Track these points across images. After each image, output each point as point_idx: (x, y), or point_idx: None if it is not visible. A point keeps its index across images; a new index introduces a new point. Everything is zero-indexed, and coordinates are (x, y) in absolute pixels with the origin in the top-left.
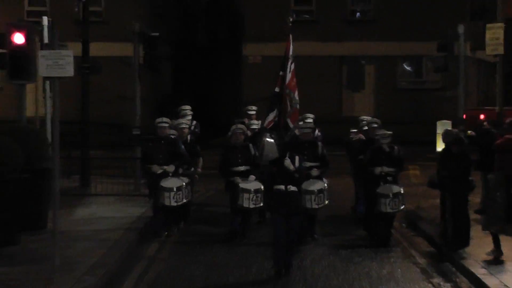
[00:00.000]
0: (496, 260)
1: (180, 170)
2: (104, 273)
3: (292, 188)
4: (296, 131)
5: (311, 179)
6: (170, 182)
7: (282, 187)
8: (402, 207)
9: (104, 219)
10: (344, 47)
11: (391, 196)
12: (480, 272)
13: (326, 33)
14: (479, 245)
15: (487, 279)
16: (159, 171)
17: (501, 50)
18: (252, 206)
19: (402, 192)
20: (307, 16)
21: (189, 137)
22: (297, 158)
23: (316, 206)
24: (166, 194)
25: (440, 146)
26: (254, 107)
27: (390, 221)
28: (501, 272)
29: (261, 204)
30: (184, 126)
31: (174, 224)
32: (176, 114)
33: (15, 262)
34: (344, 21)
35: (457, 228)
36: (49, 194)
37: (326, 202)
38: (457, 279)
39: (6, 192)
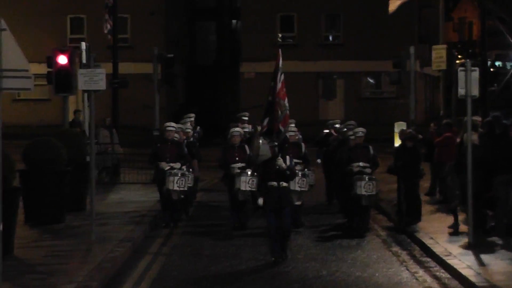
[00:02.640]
0: (456, 232)
1: (184, 168)
2: (130, 245)
3: (284, 184)
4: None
5: None
6: (175, 171)
7: (275, 183)
8: (375, 192)
9: (131, 203)
10: (319, 65)
11: (366, 179)
12: (428, 242)
13: (305, 54)
14: (428, 221)
15: (434, 247)
16: (167, 168)
17: (444, 66)
18: (248, 188)
19: (375, 179)
20: (290, 40)
21: (191, 139)
22: (288, 157)
23: (299, 189)
24: (171, 178)
25: (397, 142)
26: (246, 114)
27: (366, 211)
28: (446, 242)
29: (255, 189)
30: (178, 130)
31: (179, 216)
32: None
33: (61, 237)
34: (319, 44)
35: (410, 207)
36: (87, 182)
37: (307, 188)
38: (411, 248)
39: (54, 181)
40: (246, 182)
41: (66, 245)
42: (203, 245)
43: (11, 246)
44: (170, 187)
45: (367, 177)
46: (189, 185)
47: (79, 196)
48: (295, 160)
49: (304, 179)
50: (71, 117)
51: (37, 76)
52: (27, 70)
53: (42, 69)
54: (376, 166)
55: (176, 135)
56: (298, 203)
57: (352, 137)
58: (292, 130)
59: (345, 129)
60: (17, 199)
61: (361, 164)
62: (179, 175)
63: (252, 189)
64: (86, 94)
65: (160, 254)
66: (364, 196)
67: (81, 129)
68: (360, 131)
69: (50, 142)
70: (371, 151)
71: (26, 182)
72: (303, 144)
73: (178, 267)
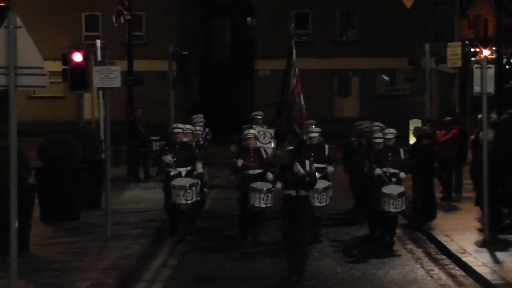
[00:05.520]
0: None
1: (194, 173)
2: (146, 242)
3: (303, 193)
4: (304, 136)
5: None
6: (182, 181)
7: (293, 192)
8: (404, 207)
9: (146, 200)
10: (334, 62)
11: (395, 196)
12: (444, 239)
13: (320, 51)
14: (443, 218)
15: (450, 245)
16: (173, 173)
17: (459, 63)
18: (263, 205)
19: (404, 193)
20: (305, 37)
21: (201, 141)
22: (307, 162)
23: (319, 204)
24: (177, 192)
25: (412, 140)
26: (260, 113)
27: (393, 223)
28: (461, 239)
29: (271, 204)
30: (188, 131)
31: (187, 226)
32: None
33: (76, 234)
34: (334, 41)
35: (425, 205)
36: (102, 179)
37: (329, 201)
38: (426, 245)
39: (70, 179)
40: (261, 199)
41: (81, 242)
42: (216, 245)
43: (26, 243)
44: (178, 201)
45: (396, 194)
46: (198, 198)
47: (94, 193)
48: (318, 165)
49: (324, 193)
50: (87, 114)
51: (52, 73)
52: (42, 68)
53: (57, 66)
54: (408, 170)
55: (184, 137)
56: (317, 214)
57: (380, 139)
58: (314, 131)
59: (366, 129)
60: (33, 196)
61: (391, 170)
62: (187, 186)
63: (268, 206)
64: (101, 92)
65: (176, 251)
66: (393, 213)
67: (142, 126)
68: (391, 132)
69: (66, 140)
70: (402, 155)
71: (42, 179)
72: (326, 146)
73: (193, 264)
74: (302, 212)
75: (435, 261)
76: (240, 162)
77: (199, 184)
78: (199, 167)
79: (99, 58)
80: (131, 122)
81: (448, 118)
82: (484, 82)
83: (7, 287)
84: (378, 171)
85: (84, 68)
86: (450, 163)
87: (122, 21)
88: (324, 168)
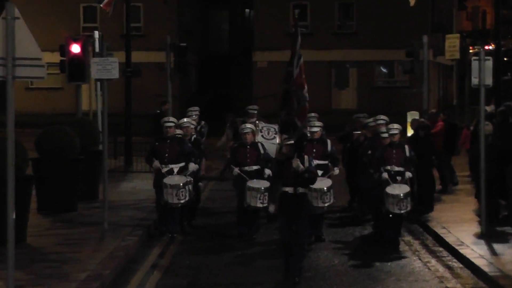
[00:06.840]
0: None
1: (187, 171)
2: (143, 234)
3: (302, 190)
4: (306, 130)
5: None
6: (175, 179)
7: (291, 189)
8: (409, 208)
9: (143, 191)
10: (332, 54)
11: (401, 197)
12: (441, 231)
13: (318, 43)
14: (441, 210)
15: (447, 237)
16: (165, 170)
17: (457, 55)
18: (259, 205)
19: (409, 193)
20: (303, 29)
21: (194, 136)
22: (306, 157)
23: (322, 205)
24: (170, 191)
25: (410, 132)
26: (255, 107)
27: (398, 224)
28: (458, 231)
29: (267, 204)
30: (187, 125)
31: (177, 225)
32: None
33: (73, 225)
34: (333, 33)
35: (423, 196)
36: (100, 171)
37: (332, 200)
38: (423, 237)
39: (67, 170)
40: (258, 198)
41: (78, 233)
42: (211, 245)
43: (24, 234)
44: (170, 200)
45: (401, 194)
46: (190, 197)
47: (91, 185)
48: (320, 162)
49: (329, 192)
50: (84, 105)
51: (50, 64)
52: (40, 59)
53: (55, 57)
54: (414, 167)
55: (178, 131)
56: (318, 211)
57: (386, 134)
58: (316, 125)
59: (371, 124)
60: (30, 187)
61: (395, 168)
62: (181, 185)
63: (265, 206)
64: (99, 83)
65: (172, 243)
66: (397, 214)
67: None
68: (395, 128)
69: (63, 131)
70: (407, 152)
71: (39, 170)
72: (329, 141)
73: (191, 255)
74: (300, 211)
75: (432, 253)
76: (236, 171)
77: (192, 182)
78: (192, 167)
79: (97, 49)
80: (157, 116)
81: (434, 110)
82: (482, 74)
83: (5, 278)
84: (385, 175)
85: (82, 59)
86: (439, 155)
87: (109, 7)
88: (326, 165)
